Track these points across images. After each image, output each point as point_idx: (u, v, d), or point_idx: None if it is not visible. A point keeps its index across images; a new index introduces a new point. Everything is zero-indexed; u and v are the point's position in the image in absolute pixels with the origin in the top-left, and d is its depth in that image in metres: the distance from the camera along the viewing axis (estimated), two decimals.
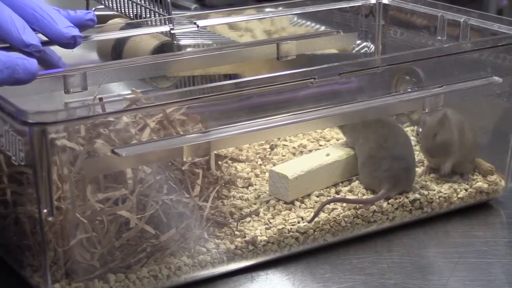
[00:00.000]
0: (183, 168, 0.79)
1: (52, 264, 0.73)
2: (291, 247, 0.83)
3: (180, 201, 0.78)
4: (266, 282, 0.79)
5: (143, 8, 1.03)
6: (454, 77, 0.88)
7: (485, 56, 0.90)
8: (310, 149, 0.99)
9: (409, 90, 0.95)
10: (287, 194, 0.87)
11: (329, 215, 0.85)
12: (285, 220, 0.84)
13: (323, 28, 1.10)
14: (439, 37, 1.00)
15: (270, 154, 0.98)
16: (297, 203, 0.87)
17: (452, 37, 0.98)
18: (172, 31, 0.98)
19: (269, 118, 0.78)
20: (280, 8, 1.06)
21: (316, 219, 0.84)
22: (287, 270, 0.81)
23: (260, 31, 1.11)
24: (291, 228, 0.83)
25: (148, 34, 1.00)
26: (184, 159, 0.79)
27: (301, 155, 0.97)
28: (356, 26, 1.07)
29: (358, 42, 1.08)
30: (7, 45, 0.80)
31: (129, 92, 0.87)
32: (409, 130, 1.03)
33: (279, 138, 1.00)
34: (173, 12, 1.00)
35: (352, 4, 1.07)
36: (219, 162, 0.85)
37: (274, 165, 0.93)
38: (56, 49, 0.85)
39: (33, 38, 0.79)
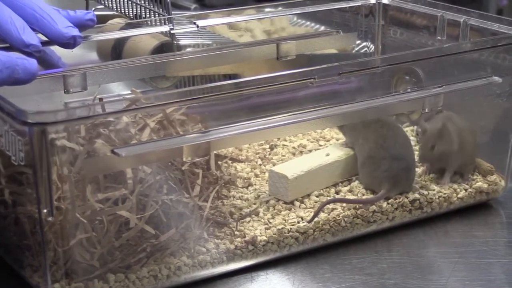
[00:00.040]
0: (183, 168, 0.79)
1: (52, 264, 0.73)
2: (290, 247, 0.83)
3: (180, 201, 0.78)
4: (265, 282, 0.79)
5: (143, 8, 1.03)
6: (454, 77, 0.88)
7: (485, 56, 0.90)
8: (310, 149, 0.99)
9: (409, 90, 0.95)
10: (287, 194, 0.87)
11: (328, 215, 0.85)
12: (285, 220, 0.84)
13: (322, 28, 1.10)
14: (439, 37, 1.00)
15: (270, 154, 0.98)
16: (297, 203, 0.87)
17: (452, 37, 0.98)
18: (172, 31, 0.98)
19: (269, 118, 0.78)
20: (280, 8, 1.06)
21: (316, 219, 0.84)
22: (287, 270, 0.81)
23: (259, 31, 1.11)
24: (290, 228, 0.83)
25: (147, 34, 1.00)
26: (184, 159, 0.79)
27: (301, 155, 0.97)
28: (355, 26, 1.07)
29: (358, 42, 1.08)
30: (7, 45, 0.80)
31: (129, 92, 0.87)
32: (409, 130, 1.03)
33: (279, 138, 1.00)
34: (172, 12, 1.00)
35: (351, 4, 1.07)
36: (219, 162, 0.85)
37: (274, 165, 0.93)
38: (56, 49, 0.85)
39: (33, 38, 0.79)
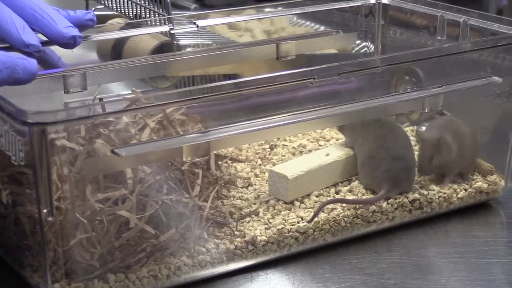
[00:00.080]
0: (182, 168, 0.79)
1: (52, 264, 0.73)
2: (290, 247, 0.83)
3: (180, 201, 0.78)
4: (265, 282, 0.79)
5: (143, 8, 1.03)
6: (453, 77, 0.88)
7: (485, 56, 0.90)
8: (309, 149, 0.99)
9: (409, 90, 0.95)
10: (287, 194, 0.87)
11: (328, 215, 0.85)
12: (285, 220, 0.84)
13: (322, 28, 1.10)
14: (438, 37, 1.00)
15: (269, 154, 0.98)
16: (297, 203, 0.87)
17: (452, 37, 0.98)
18: (171, 31, 0.98)
19: (268, 118, 0.78)
20: (280, 8, 1.06)
21: (316, 219, 0.84)
22: (287, 270, 0.81)
23: (259, 31, 1.11)
24: (290, 228, 0.83)
25: (147, 34, 1.00)
26: (184, 159, 0.79)
27: (300, 155, 0.97)
28: (355, 26, 1.07)
29: (358, 42, 1.08)
30: (7, 45, 0.80)
31: (129, 92, 0.87)
32: (409, 130, 1.03)
33: (278, 138, 1.00)
34: (172, 12, 1.00)
35: (351, 4, 1.07)
36: (219, 162, 0.85)
37: (273, 165, 0.93)
38: (56, 49, 0.85)
39: (33, 38, 0.79)
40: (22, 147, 0.69)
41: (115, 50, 1.02)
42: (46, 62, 0.85)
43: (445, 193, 0.90)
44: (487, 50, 0.90)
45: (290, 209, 0.86)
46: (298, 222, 0.84)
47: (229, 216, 0.83)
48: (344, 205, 0.86)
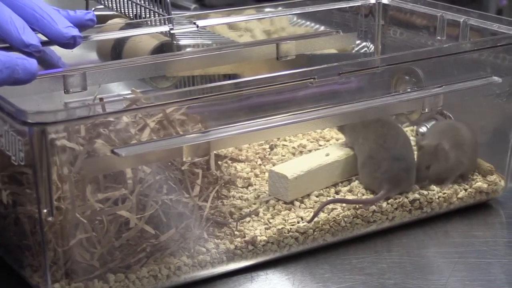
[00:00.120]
0: (182, 168, 0.79)
1: (52, 264, 0.73)
2: (290, 247, 0.83)
3: (180, 201, 0.78)
4: (265, 282, 0.79)
5: (143, 8, 1.03)
6: (453, 77, 0.88)
7: (485, 56, 0.90)
8: (309, 149, 0.99)
9: (409, 90, 0.95)
10: (287, 194, 0.87)
11: (328, 215, 0.85)
12: (285, 220, 0.84)
13: (322, 28, 1.10)
14: (438, 37, 1.00)
15: (269, 154, 0.98)
16: (297, 203, 0.87)
17: (452, 37, 0.98)
18: (171, 31, 0.98)
19: (268, 118, 0.78)
20: (280, 8, 1.06)
21: (316, 219, 0.84)
22: (287, 270, 0.81)
23: (259, 31, 1.11)
24: (290, 228, 0.83)
25: (147, 34, 1.00)
26: (184, 159, 0.79)
27: (300, 155, 0.97)
28: (355, 26, 1.07)
29: (358, 42, 1.08)
30: (7, 45, 0.80)
31: (129, 92, 0.87)
32: (409, 130, 1.03)
33: (278, 138, 1.00)
34: (172, 12, 1.00)
35: (351, 4, 1.07)
36: (219, 162, 0.85)
37: (273, 165, 0.93)
38: (56, 49, 0.85)
39: (33, 38, 0.79)
40: (22, 147, 0.69)
41: (115, 50, 1.02)
42: (46, 62, 0.85)
43: (445, 193, 0.90)
44: (487, 50, 0.90)
45: (290, 209, 0.86)
46: (298, 222, 0.84)
47: (229, 216, 0.83)
48: (344, 205, 0.86)
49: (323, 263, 0.82)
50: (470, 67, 0.90)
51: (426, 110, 0.85)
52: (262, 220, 0.84)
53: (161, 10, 1.00)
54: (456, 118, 0.98)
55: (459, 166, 0.91)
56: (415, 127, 1.03)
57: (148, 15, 1.02)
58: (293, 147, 0.99)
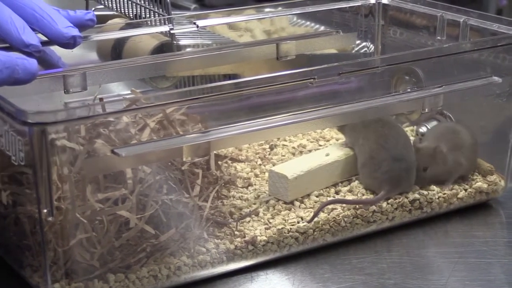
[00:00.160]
0: (182, 168, 0.79)
1: (52, 264, 0.73)
2: (290, 247, 0.83)
3: (180, 201, 0.78)
4: (265, 282, 0.79)
5: (143, 8, 1.03)
6: (453, 77, 0.88)
7: (485, 56, 0.90)
8: (309, 149, 0.99)
9: (409, 90, 0.95)
10: (287, 194, 0.87)
11: (328, 215, 0.85)
12: (285, 220, 0.84)
13: (322, 28, 1.10)
14: (438, 37, 1.00)
15: (269, 154, 0.98)
16: (297, 203, 0.87)
17: (452, 37, 0.98)
18: (171, 31, 0.98)
19: (268, 118, 0.78)
20: (280, 8, 1.06)
21: (316, 219, 0.84)
22: (287, 270, 0.81)
23: (259, 31, 1.11)
24: (290, 228, 0.83)
25: (147, 34, 1.00)
26: (184, 159, 0.79)
27: (300, 155, 0.97)
28: (355, 26, 1.07)
29: (358, 42, 1.08)
30: (7, 45, 0.80)
31: (129, 92, 0.87)
32: (409, 130, 1.03)
33: (278, 138, 1.00)
34: (172, 12, 1.00)
35: (351, 4, 1.07)
36: (219, 162, 0.85)
37: (273, 165, 0.93)
38: (56, 49, 0.85)
39: (33, 38, 0.79)
40: (22, 147, 0.69)
41: (115, 50, 1.02)
42: (46, 62, 0.85)
43: (445, 193, 0.90)
44: (487, 50, 0.90)
45: (290, 209, 0.86)
46: (298, 222, 0.84)
47: (229, 216, 0.83)
48: (344, 205, 0.86)
49: (323, 263, 0.82)
50: (470, 67, 0.90)
51: (426, 110, 0.85)
52: (262, 220, 0.84)
53: (161, 10, 1.00)
54: (456, 118, 0.98)
55: (457, 169, 0.91)
56: (415, 127, 1.03)
57: (148, 15, 1.02)
58: (293, 147, 0.99)
